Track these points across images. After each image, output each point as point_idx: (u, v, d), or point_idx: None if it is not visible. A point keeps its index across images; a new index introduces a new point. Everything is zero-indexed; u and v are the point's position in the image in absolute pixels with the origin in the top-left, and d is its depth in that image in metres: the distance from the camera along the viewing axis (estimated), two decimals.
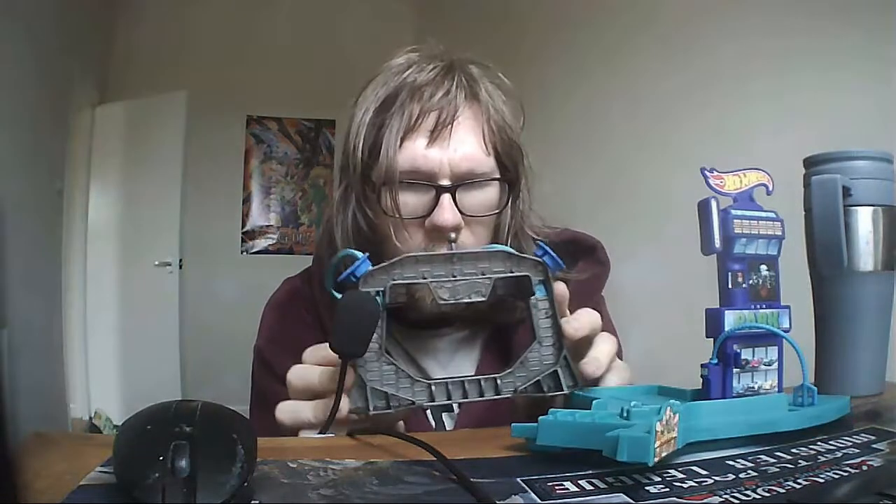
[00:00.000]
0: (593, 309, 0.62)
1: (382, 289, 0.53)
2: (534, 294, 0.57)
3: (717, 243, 0.53)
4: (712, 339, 0.53)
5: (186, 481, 0.35)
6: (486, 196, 0.67)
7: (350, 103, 0.71)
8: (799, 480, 0.42)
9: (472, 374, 0.64)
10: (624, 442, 0.39)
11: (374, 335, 0.53)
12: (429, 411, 0.74)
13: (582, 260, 0.76)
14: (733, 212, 0.54)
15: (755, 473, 0.43)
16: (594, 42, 2.64)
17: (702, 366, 0.53)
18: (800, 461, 0.46)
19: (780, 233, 0.56)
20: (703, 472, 0.43)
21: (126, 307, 3.82)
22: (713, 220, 0.53)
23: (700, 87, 2.06)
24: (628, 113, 2.41)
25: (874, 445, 0.50)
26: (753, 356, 0.53)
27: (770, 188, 0.57)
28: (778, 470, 0.44)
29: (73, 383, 3.33)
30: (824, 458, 0.47)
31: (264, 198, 4.42)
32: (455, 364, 0.75)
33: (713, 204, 0.54)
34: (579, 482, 0.41)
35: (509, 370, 0.56)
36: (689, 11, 2.13)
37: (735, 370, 0.52)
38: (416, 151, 0.64)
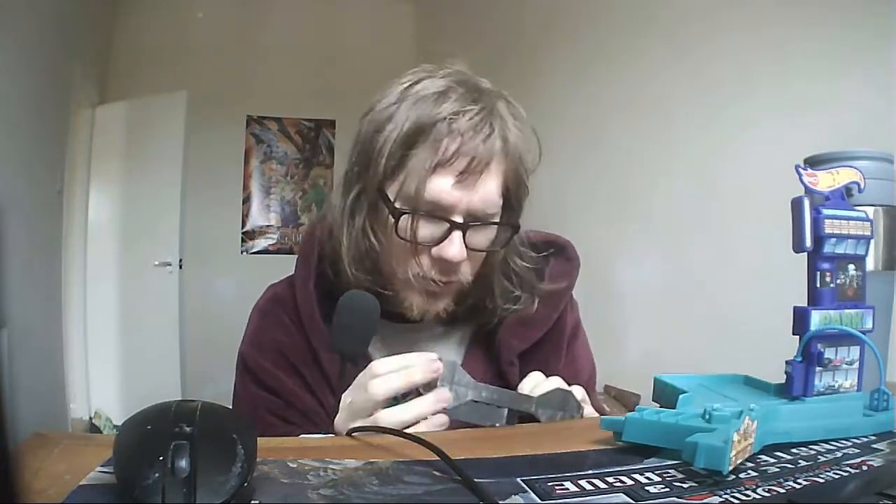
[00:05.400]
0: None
1: None
2: None
3: (808, 243, 0.54)
4: (798, 337, 0.54)
5: (186, 481, 0.35)
6: (490, 233, 0.71)
7: (376, 106, 0.70)
8: (799, 480, 0.42)
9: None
10: (702, 450, 0.41)
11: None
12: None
13: (554, 258, 0.81)
14: (825, 211, 0.54)
15: (755, 473, 0.43)
16: (593, 39, 2.64)
17: (786, 362, 0.55)
18: (800, 461, 0.46)
19: (868, 233, 0.56)
20: (703, 472, 0.43)
21: (126, 307, 3.81)
22: (805, 220, 0.54)
23: (700, 85, 2.06)
24: (627, 111, 2.40)
25: (874, 445, 0.50)
26: (836, 355, 0.54)
27: (862, 186, 0.57)
28: (778, 470, 0.44)
29: (73, 383, 3.32)
30: (824, 458, 0.47)
31: (264, 198, 4.42)
32: None
33: (806, 202, 0.54)
34: (579, 482, 0.41)
35: None
36: (689, 10, 2.13)
37: (818, 368, 0.53)
38: (442, 187, 0.66)
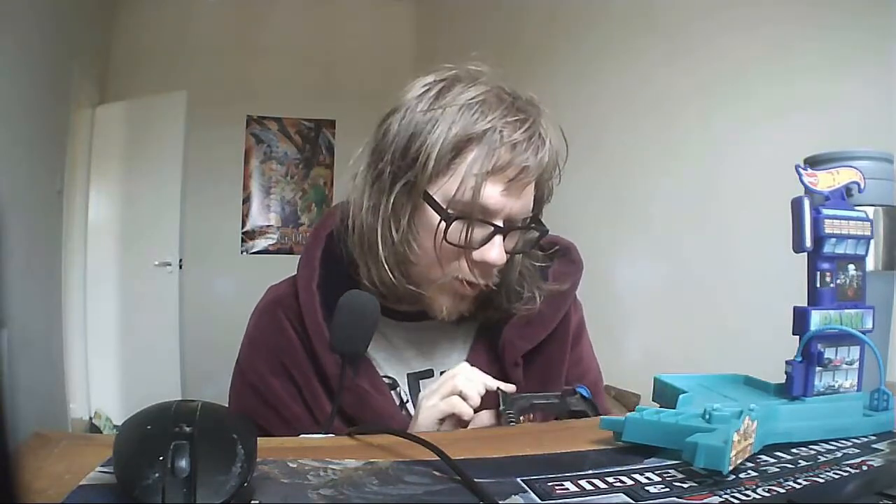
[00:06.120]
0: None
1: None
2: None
3: (808, 243, 0.54)
4: (798, 337, 0.54)
5: (186, 481, 0.35)
6: (517, 235, 0.73)
7: (409, 105, 0.69)
8: (799, 480, 0.42)
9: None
10: (702, 450, 0.41)
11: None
12: (403, 392, 0.76)
13: (558, 259, 0.82)
14: (825, 211, 0.54)
15: (755, 473, 0.43)
16: (593, 39, 2.64)
17: (786, 362, 0.55)
18: (800, 461, 0.46)
19: (868, 233, 0.56)
20: (703, 472, 0.43)
21: (126, 307, 3.81)
22: (805, 220, 0.54)
23: (700, 85, 2.06)
24: (625, 110, 2.40)
25: (874, 445, 0.50)
26: (836, 355, 0.54)
27: (862, 186, 0.57)
28: (778, 470, 0.44)
29: (73, 383, 3.32)
30: (824, 458, 0.47)
31: (264, 198, 4.41)
32: (439, 355, 0.78)
33: (806, 202, 0.54)
34: (579, 482, 0.41)
35: None
36: (689, 10, 2.13)
37: (818, 368, 0.53)
38: (492, 193, 0.67)
